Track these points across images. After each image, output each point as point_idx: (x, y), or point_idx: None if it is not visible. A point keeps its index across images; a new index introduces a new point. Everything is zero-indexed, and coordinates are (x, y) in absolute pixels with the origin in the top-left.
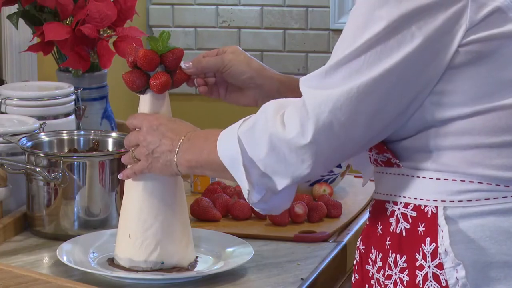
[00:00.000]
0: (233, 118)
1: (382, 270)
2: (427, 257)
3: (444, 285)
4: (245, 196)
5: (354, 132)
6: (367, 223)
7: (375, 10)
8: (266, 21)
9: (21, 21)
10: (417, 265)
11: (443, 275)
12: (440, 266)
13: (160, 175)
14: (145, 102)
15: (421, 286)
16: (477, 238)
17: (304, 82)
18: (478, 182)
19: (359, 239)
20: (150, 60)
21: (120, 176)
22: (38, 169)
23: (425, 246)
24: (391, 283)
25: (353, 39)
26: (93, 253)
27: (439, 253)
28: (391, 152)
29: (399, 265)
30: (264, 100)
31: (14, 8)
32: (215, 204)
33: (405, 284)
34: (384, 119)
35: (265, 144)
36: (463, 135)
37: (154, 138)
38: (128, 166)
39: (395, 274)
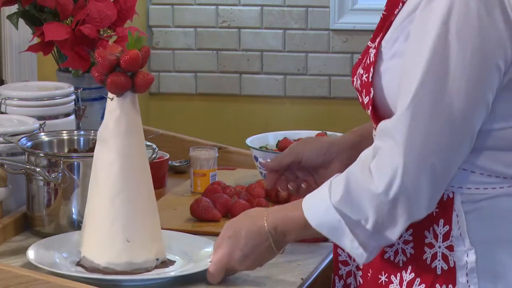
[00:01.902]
0: (232, 118)
1: None
2: (439, 238)
3: (451, 265)
4: (358, 259)
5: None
6: None
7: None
8: (266, 21)
9: (21, 21)
10: (426, 242)
11: (453, 256)
12: (450, 248)
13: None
14: (112, 105)
15: (428, 262)
16: (490, 217)
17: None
18: (496, 176)
19: None
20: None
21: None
22: (38, 169)
23: (438, 227)
24: (391, 251)
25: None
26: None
27: (452, 236)
28: None
29: (404, 237)
30: (350, 160)
31: (14, 8)
32: (215, 204)
33: (408, 256)
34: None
35: (367, 205)
36: (490, 138)
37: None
38: None
39: (398, 244)
